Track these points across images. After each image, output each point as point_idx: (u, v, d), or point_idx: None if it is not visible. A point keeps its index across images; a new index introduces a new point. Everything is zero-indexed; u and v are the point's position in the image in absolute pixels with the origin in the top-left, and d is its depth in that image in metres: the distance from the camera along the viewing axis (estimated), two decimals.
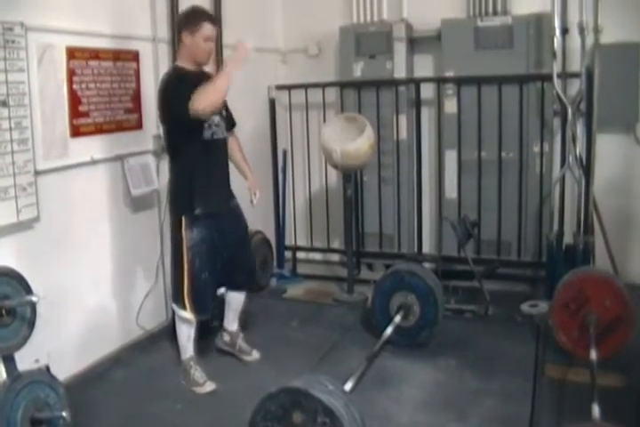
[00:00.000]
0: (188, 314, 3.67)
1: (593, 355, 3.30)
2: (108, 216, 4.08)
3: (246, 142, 5.46)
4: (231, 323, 4.10)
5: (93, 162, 3.88)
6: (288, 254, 5.76)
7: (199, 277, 3.65)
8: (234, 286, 3.98)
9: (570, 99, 4.69)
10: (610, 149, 4.89)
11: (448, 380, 3.73)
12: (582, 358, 3.46)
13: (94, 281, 3.98)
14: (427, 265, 5.05)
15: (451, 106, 5.27)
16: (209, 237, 3.66)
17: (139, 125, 4.29)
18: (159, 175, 4.39)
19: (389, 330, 3.83)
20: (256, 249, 5.30)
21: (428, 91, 5.37)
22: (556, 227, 4.85)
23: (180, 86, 3.43)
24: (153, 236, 4.46)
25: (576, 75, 4.69)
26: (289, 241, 5.73)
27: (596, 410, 2.76)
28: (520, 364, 3.80)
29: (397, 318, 3.97)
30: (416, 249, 5.46)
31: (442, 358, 3.96)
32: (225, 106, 3.76)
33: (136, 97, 4.24)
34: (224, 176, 3.81)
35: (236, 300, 4.04)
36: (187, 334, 3.76)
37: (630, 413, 3.12)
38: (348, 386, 3.07)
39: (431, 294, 4.04)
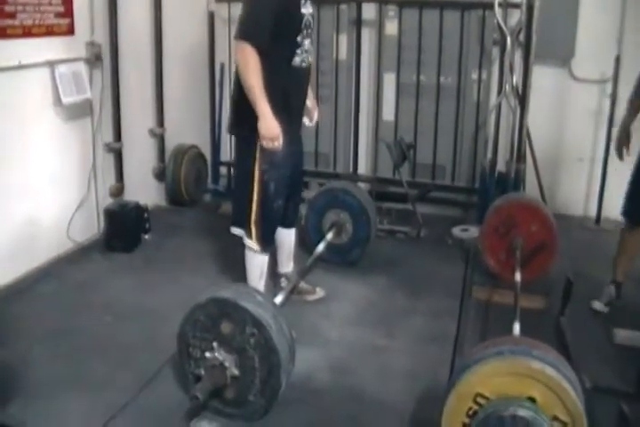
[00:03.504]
0: (253, 244, 3.30)
1: (517, 277, 3.41)
2: (38, 125, 3.93)
3: (184, 56, 5.32)
4: (286, 264, 3.75)
5: (21, 66, 3.69)
6: (223, 170, 5.66)
7: (272, 203, 3.26)
8: (288, 222, 3.58)
9: (510, 28, 4.67)
10: (545, 81, 4.92)
11: (378, 298, 3.81)
12: (508, 281, 3.58)
13: (22, 192, 3.85)
14: (361, 185, 5.08)
15: (392, 28, 5.18)
16: (290, 159, 3.28)
17: (70, 31, 4.08)
18: (92, 84, 4.24)
19: (321, 247, 3.84)
20: (190, 164, 5.25)
21: (369, 11, 5.26)
22: (489, 154, 4.91)
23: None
24: (85, 146, 4.31)
25: (517, 5, 4.65)
26: (224, 157, 5.63)
27: (516, 328, 2.89)
28: (449, 285, 3.92)
29: (330, 236, 3.99)
30: (351, 169, 5.46)
31: (373, 276, 4.04)
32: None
33: (68, 0, 4.01)
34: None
35: (289, 238, 3.66)
36: (259, 272, 3.38)
37: (548, 331, 3.30)
38: (279, 299, 3.09)
39: (364, 212, 4.07)
